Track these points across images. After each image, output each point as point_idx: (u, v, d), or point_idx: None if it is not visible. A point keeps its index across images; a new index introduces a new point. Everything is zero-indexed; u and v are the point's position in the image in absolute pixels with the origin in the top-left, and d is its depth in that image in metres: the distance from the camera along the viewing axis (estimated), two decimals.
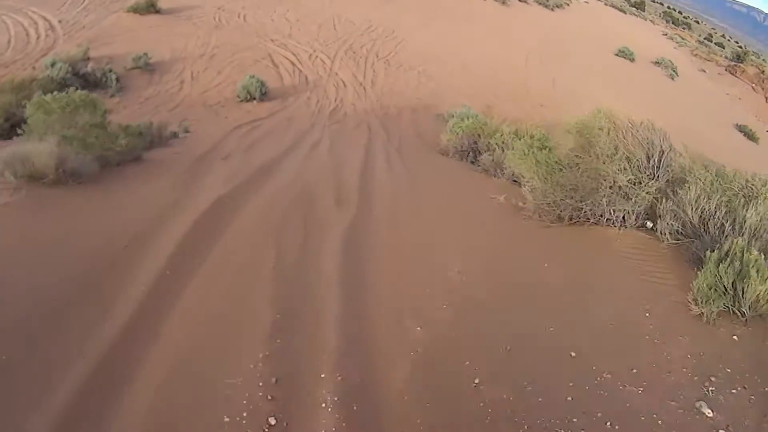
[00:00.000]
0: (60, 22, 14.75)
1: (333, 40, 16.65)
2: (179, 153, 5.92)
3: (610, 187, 4.97)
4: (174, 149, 6.38)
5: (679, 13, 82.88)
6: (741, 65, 41.64)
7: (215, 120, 9.25)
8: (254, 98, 10.62)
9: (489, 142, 7.99)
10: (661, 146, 5.31)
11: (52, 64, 10.89)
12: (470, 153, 8.65)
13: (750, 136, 25.40)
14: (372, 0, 22.96)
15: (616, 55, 30.26)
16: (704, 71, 40.74)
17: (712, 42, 66.62)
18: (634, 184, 5.01)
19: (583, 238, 4.77)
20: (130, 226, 3.87)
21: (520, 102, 15.81)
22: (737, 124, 27.25)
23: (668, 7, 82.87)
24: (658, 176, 5.16)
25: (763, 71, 38.66)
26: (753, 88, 38.25)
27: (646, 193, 4.92)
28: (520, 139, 6.60)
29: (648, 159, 5.24)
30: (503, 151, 7.56)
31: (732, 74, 41.36)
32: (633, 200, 4.92)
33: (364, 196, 5.11)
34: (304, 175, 5.43)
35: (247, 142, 6.83)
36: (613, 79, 24.52)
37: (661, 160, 5.24)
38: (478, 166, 7.84)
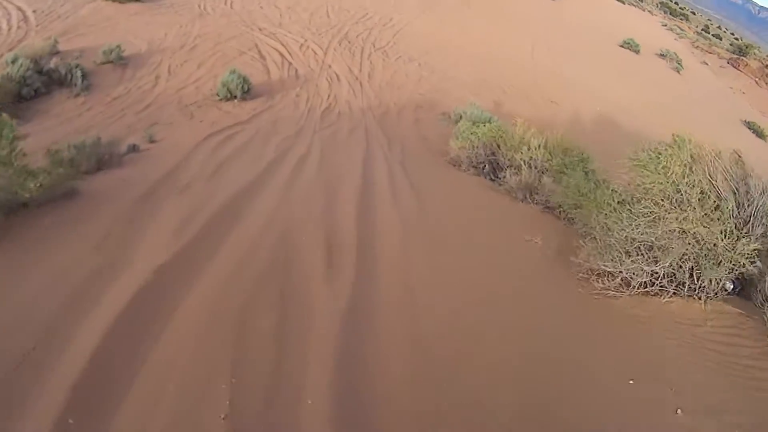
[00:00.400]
0: (35, 12, 13.16)
1: (326, 29, 15.06)
2: (128, 181, 4.46)
3: (698, 246, 3.60)
4: (124, 173, 4.91)
5: (675, 3, 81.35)
6: (744, 59, 40.29)
7: (188, 124, 7.74)
8: (235, 97, 9.10)
9: (513, 156, 6.59)
10: (758, 188, 3.92)
11: (13, 61, 9.36)
12: (486, 165, 7.26)
13: (759, 133, 24.12)
14: None
15: (621, 46, 28.78)
16: (706, 64, 39.37)
17: (709, 34, 65.19)
18: (725, 240, 3.64)
19: (665, 322, 3.41)
20: (27, 323, 2.49)
21: (531, 97, 14.37)
22: (745, 121, 25.99)
23: None
24: (752, 229, 3.79)
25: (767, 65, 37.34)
26: (756, 82, 36.96)
27: (744, 255, 3.54)
28: (569, 169, 5.20)
29: (738, 206, 3.86)
30: (531, 168, 6.17)
31: (734, 67, 40.02)
32: (727, 264, 3.55)
33: (365, 247, 3.72)
34: (284, 215, 4.01)
35: (217, 159, 5.35)
36: (621, 72, 23.08)
37: (757, 208, 3.85)
38: (499, 184, 6.46)
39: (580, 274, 3.95)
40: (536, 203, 5.71)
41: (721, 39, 65.82)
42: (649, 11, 59.32)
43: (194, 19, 13.85)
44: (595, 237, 3.89)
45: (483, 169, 7.23)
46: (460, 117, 10.04)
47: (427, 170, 6.75)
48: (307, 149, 6.30)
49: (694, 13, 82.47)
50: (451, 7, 23.63)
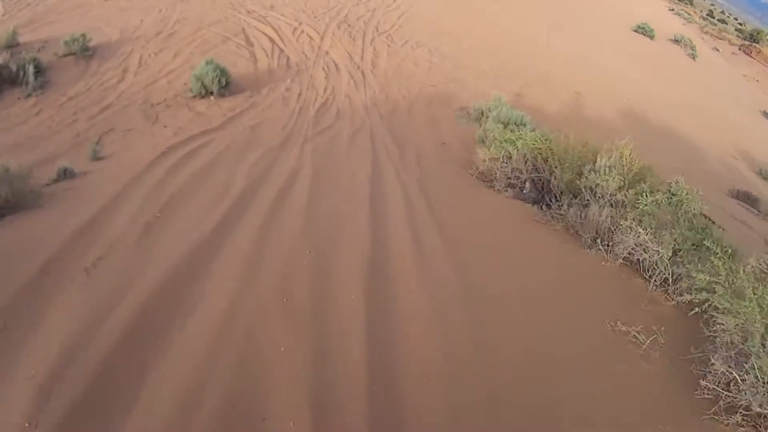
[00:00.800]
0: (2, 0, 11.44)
1: (324, 11, 13.15)
2: (21, 245, 2.79)
3: None
4: (26, 226, 3.21)
5: None
6: (756, 45, 38.26)
7: (148, 132, 5.99)
8: (211, 93, 7.32)
9: (569, 179, 4.86)
10: None
11: None
12: (528, 185, 5.55)
13: None
14: None
15: (635, 31, 26.78)
16: (717, 50, 37.34)
17: (714, 19, 62.82)
18: None
19: None
20: None
21: (552, 87, 12.56)
22: (765, 111, 24.25)
23: None
24: None
25: None
26: None
27: None
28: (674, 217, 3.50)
29: None
30: (600, 199, 4.45)
31: (747, 54, 38.03)
32: None
33: (381, 388, 2.04)
34: (244, 320, 2.32)
35: (165, 193, 3.59)
36: (639, 58, 21.17)
37: None
38: (552, 216, 4.75)
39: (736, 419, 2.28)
40: (612, 252, 4.01)
41: (726, 24, 63.60)
42: None
43: (176, 2, 11.99)
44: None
45: (523, 190, 5.52)
46: (481, 114, 8.27)
47: (455, 195, 5.04)
48: (293, 170, 4.57)
49: None
50: None
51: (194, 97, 7.38)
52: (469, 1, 20.40)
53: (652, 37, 26.43)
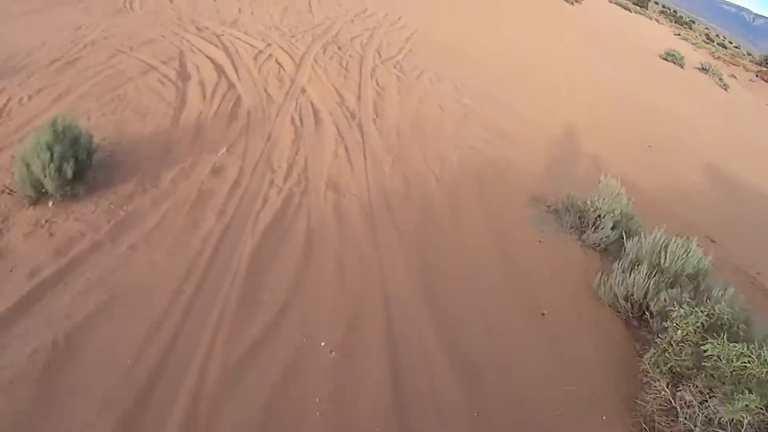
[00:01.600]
0: None
1: (305, 29, 9.23)
2: None
3: None
4: None
5: (674, 12, 76.79)
6: None
7: None
8: (50, 194, 3.33)
9: None
10: None
11: None
12: None
13: None
14: None
15: (664, 59, 23.24)
16: (734, 77, 34.03)
17: (714, 42, 60.20)
18: None
19: None
20: None
21: (622, 139, 8.69)
22: None
23: (663, 6, 76.69)
24: None
25: None
26: None
27: None
28: None
29: None
30: None
31: (765, 81, 34.82)
32: None
33: None
34: None
35: None
36: (685, 93, 17.48)
37: None
38: None
39: None
40: None
41: (726, 48, 61.25)
42: (655, 20, 53.98)
43: (106, 17, 8.02)
44: None
45: None
46: (581, 216, 4.37)
47: None
48: None
49: (693, 22, 77.69)
50: (474, 3, 17.86)
51: (26, 198, 3.35)
52: (484, 14, 16.67)
53: (682, 66, 22.89)
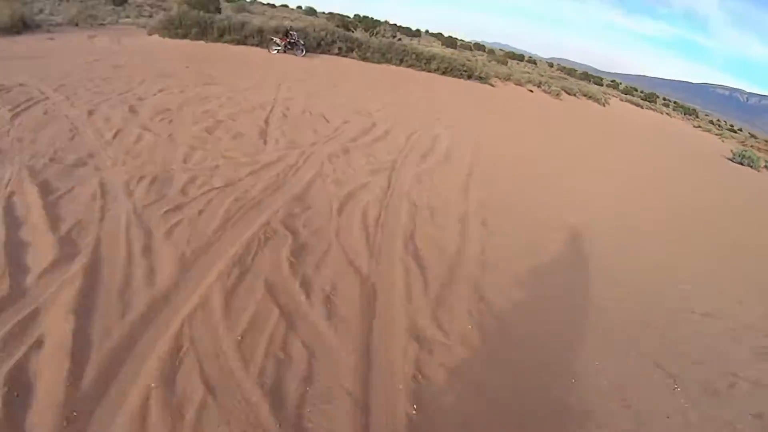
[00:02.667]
0: None
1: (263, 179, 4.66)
2: None
3: None
4: None
5: (675, 102, 75.61)
6: None
7: None
8: None
9: None
10: None
11: None
12: None
13: None
14: (367, 76, 11.65)
15: (732, 161, 18.87)
16: None
17: (723, 129, 57.18)
18: None
19: None
20: None
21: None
22: None
23: (665, 99, 75.51)
24: None
25: None
26: None
27: None
28: None
29: None
30: None
31: None
32: None
33: None
34: None
35: None
36: None
37: None
38: None
39: None
40: None
41: (736, 132, 58.18)
42: (666, 113, 51.27)
43: None
44: None
45: None
46: None
47: None
48: None
49: (695, 110, 75.86)
50: (505, 117, 13.69)
51: None
52: (537, 126, 12.42)
53: (758, 169, 18.37)
